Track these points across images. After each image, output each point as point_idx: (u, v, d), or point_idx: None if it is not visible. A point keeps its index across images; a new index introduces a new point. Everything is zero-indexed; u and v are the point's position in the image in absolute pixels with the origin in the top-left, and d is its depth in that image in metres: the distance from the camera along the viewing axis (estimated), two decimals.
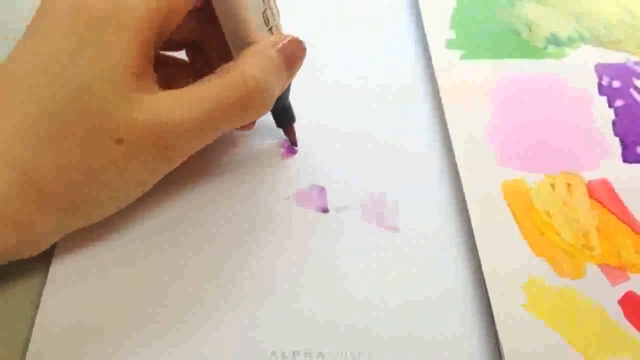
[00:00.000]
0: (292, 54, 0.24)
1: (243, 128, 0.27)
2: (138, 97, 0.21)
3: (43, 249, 0.23)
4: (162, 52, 0.27)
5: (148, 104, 0.21)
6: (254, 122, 0.27)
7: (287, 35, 0.24)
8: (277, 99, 0.25)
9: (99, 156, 0.21)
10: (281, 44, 0.24)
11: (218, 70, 0.23)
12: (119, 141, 0.21)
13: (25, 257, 0.23)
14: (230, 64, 0.23)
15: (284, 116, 0.27)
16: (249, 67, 0.23)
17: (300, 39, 0.25)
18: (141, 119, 0.21)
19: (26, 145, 0.20)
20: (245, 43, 0.23)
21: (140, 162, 0.22)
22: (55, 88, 0.20)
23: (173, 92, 0.22)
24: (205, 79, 0.23)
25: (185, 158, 0.24)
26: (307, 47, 0.25)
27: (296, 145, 0.28)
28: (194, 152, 0.24)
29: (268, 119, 0.27)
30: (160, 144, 0.22)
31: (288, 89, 0.26)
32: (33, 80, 0.21)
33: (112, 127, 0.21)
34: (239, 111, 0.23)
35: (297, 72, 0.25)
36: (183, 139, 0.22)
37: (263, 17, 0.23)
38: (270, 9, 0.24)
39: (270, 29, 0.24)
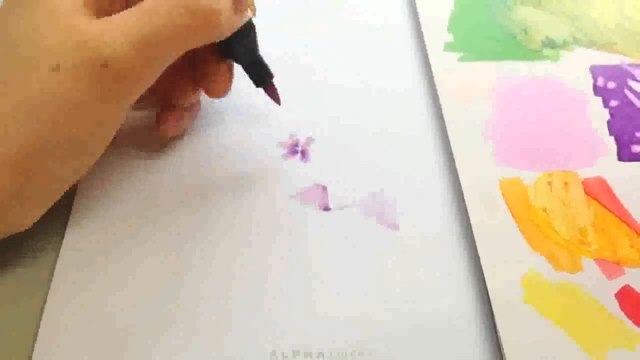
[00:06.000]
0: None
1: (213, 93, 0.26)
2: (72, 21, 0.21)
3: (23, 223, 0.23)
4: None
5: (80, 26, 0.21)
6: (227, 86, 0.27)
7: None
8: (245, 54, 0.24)
9: (38, 89, 0.21)
10: None
11: None
12: (56, 68, 0.21)
13: (8, 229, 0.23)
14: None
15: (258, 72, 0.26)
16: None
17: None
18: (74, 39, 0.21)
19: None
20: None
21: (82, 90, 0.21)
22: None
23: (114, 15, 0.22)
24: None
25: (136, 85, 0.22)
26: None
27: (279, 104, 0.27)
28: (143, 79, 0.22)
29: (269, 118, 0.28)
30: (96, 61, 0.21)
31: (255, 42, 0.26)
32: None
33: (46, 52, 0.21)
34: (179, 25, 0.22)
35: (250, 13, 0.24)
36: (120, 53, 0.21)
37: None
38: None
39: None
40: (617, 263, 0.24)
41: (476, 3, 0.35)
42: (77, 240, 0.25)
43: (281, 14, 0.34)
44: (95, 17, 0.22)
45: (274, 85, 0.27)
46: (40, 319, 0.23)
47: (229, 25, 0.23)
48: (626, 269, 0.24)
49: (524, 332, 0.22)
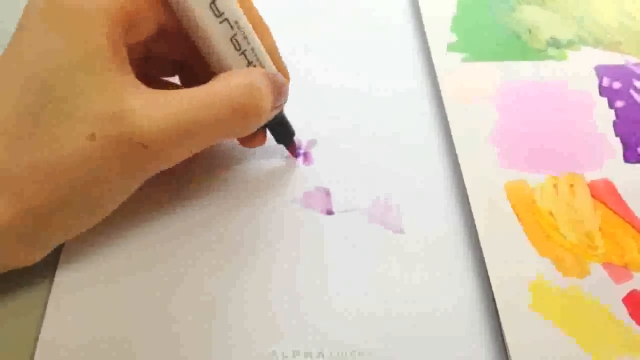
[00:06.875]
0: (276, 79, 0.24)
1: (254, 143, 0.27)
2: (111, 86, 0.20)
3: (26, 262, 0.22)
4: (156, 76, 0.27)
5: (122, 94, 0.20)
6: (262, 143, 0.27)
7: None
8: (273, 119, 0.25)
9: (67, 154, 0.20)
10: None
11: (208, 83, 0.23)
12: (91, 137, 0.20)
13: (12, 265, 0.22)
14: (219, 75, 0.23)
15: (282, 131, 0.27)
16: (240, 75, 0.22)
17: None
18: (115, 110, 0.20)
19: (1, 146, 0.20)
20: (219, 70, 0.23)
21: (112, 164, 0.21)
22: (26, 84, 0.20)
23: (157, 90, 0.21)
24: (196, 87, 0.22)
25: (166, 165, 0.22)
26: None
27: (296, 158, 0.28)
28: (174, 161, 0.22)
29: None
30: (134, 140, 0.20)
31: (282, 110, 0.26)
32: (8, 80, 0.20)
33: (82, 119, 0.20)
34: (221, 121, 0.22)
35: (284, 103, 0.25)
36: (157, 136, 0.21)
37: (232, 42, 0.23)
38: (243, 32, 0.23)
39: (243, 53, 0.23)
40: (625, 267, 0.24)
41: (479, 3, 0.34)
42: (78, 242, 0.24)
43: (281, 14, 0.34)
44: (136, 79, 0.21)
45: (294, 143, 0.27)
46: (41, 324, 0.23)
47: (266, 119, 0.24)
48: (634, 273, 0.24)
49: (531, 337, 0.22)
